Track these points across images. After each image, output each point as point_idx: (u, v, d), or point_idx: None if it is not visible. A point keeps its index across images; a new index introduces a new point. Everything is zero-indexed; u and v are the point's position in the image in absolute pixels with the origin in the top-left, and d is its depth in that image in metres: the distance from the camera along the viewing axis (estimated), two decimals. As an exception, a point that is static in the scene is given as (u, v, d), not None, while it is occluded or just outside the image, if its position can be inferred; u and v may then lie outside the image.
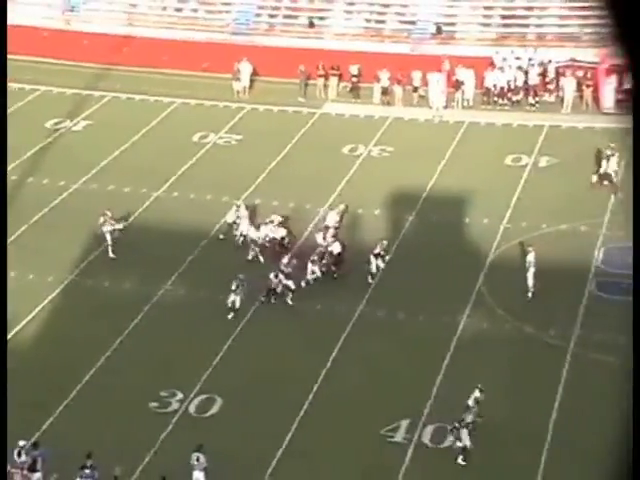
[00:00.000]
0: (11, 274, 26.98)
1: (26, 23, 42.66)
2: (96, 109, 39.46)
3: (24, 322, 26.21)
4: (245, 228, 29.40)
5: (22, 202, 31.74)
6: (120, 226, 29.43)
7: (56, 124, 38.15)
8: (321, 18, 42.60)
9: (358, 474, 21.32)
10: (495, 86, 38.68)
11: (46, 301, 27.24)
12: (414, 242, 29.25)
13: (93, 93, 40.56)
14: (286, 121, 38.01)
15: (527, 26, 40.86)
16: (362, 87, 39.68)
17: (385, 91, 39.09)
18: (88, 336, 25.63)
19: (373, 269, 27.51)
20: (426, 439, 22.13)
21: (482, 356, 24.67)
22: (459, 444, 21.36)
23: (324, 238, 28.50)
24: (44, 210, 31.72)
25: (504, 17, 41.13)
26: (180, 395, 23.58)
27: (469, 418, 21.40)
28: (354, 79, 39.87)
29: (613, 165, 31.25)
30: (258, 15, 43.55)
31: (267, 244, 29.12)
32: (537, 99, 38.42)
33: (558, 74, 38.56)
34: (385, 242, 28.01)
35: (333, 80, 40.07)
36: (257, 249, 28.88)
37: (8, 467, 20.72)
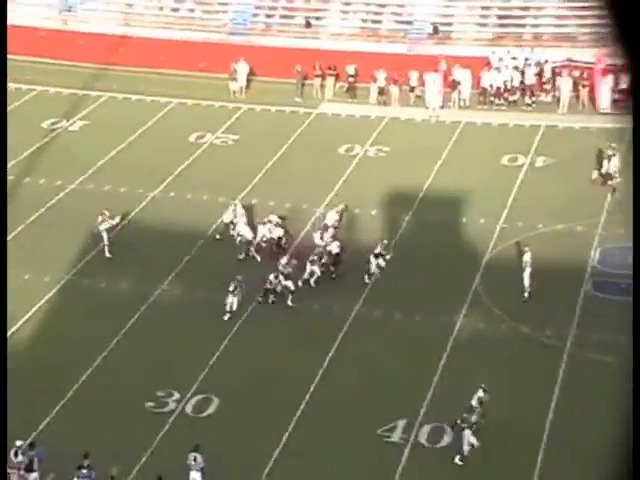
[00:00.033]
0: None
1: (23, 23, 42.62)
2: (93, 109, 39.46)
3: (21, 322, 26.21)
4: (242, 228, 29.41)
5: (19, 202, 31.72)
6: (116, 221, 29.38)
7: (53, 124, 38.14)
8: (318, 18, 42.62)
9: (355, 474, 21.34)
10: (491, 86, 38.73)
11: (43, 301, 27.25)
12: (411, 242, 29.27)
13: (90, 93, 40.56)
14: (283, 121, 38.02)
15: (523, 26, 40.92)
16: (359, 87, 39.74)
17: (382, 91, 39.10)
18: (85, 336, 25.63)
19: (372, 269, 27.51)
20: (423, 439, 22.16)
21: (479, 356, 24.70)
22: (465, 446, 21.34)
23: (321, 238, 28.48)
24: (41, 210, 31.72)
25: (500, 17, 41.19)
26: (177, 395, 23.59)
27: (473, 418, 21.38)
28: (351, 79, 39.90)
29: (614, 165, 31.27)
30: (255, 15, 43.57)
31: (263, 244, 29.14)
32: (533, 99, 38.47)
33: (554, 74, 38.62)
34: (385, 241, 28.07)
35: (330, 80, 40.10)
36: (252, 249, 28.87)
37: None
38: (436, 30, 41.08)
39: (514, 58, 39.07)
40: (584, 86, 37.79)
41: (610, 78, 37.21)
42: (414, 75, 38.84)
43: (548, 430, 22.17)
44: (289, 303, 26.64)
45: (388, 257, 27.62)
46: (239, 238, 29.24)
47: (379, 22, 42.34)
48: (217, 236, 30.00)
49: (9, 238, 29.46)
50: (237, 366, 24.58)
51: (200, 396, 23.62)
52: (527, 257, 26.82)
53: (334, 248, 28.05)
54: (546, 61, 38.75)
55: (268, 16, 43.54)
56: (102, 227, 29.12)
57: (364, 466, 21.49)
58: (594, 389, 23.28)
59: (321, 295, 27.09)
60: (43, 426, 22.55)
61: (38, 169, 34.31)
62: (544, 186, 32.39)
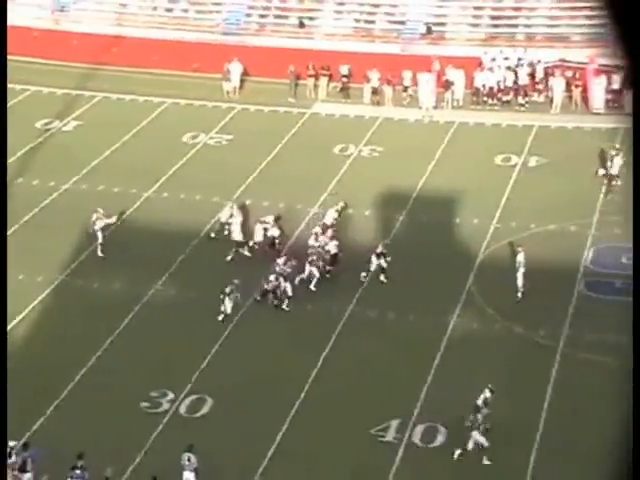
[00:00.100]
0: (1, 274, 26.96)
1: (16, 23, 42.53)
2: (86, 109, 39.44)
3: (14, 322, 26.19)
4: (234, 229, 29.40)
5: (12, 202, 31.60)
6: (112, 220, 29.40)
7: (46, 124, 38.13)
8: (311, 18, 42.64)
9: (349, 474, 21.37)
10: (484, 86, 38.80)
11: (36, 301, 27.27)
12: (404, 242, 29.29)
13: (83, 93, 40.54)
14: (276, 121, 38.04)
15: (516, 26, 41.00)
16: (352, 87, 39.78)
17: (375, 91, 39.16)
18: (79, 336, 25.65)
19: (372, 269, 27.48)
20: (416, 439, 22.20)
21: (472, 356, 24.75)
22: (469, 447, 21.35)
23: (316, 239, 28.38)
24: (34, 210, 31.71)
25: (493, 17, 41.26)
26: (171, 395, 23.61)
27: (479, 419, 21.37)
28: (344, 79, 39.94)
29: (617, 165, 31.33)
30: (248, 15, 43.57)
31: (257, 245, 29.15)
32: (526, 99, 38.55)
33: (547, 74, 38.71)
34: (387, 241, 28.08)
35: (323, 80, 40.12)
36: (241, 250, 28.84)
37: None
38: (429, 30, 41.14)
39: (506, 58, 39.17)
40: (577, 86, 37.89)
41: (603, 78, 37.34)
42: (407, 75, 38.91)
43: (541, 430, 22.22)
44: (284, 307, 26.66)
45: (389, 258, 27.57)
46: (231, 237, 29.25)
47: (372, 22, 42.38)
48: (212, 234, 30.02)
49: (3, 238, 29.44)
50: (231, 366, 24.60)
51: (194, 396, 23.64)
52: (520, 257, 26.87)
53: (332, 248, 28.07)
54: (539, 61, 38.84)
55: (261, 16, 43.55)
56: (97, 226, 29.16)
57: (358, 466, 21.52)
58: (588, 389, 23.38)
59: (315, 295, 27.13)
60: (37, 426, 22.55)
61: (32, 169, 34.29)
62: (537, 186, 32.46)
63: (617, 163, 31.28)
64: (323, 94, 40.13)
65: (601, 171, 32.34)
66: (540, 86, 38.80)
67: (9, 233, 30.04)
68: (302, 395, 23.51)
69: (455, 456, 21.46)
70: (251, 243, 29.15)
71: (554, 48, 39.36)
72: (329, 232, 28.67)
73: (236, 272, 27.55)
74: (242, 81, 40.78)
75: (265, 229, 29.15)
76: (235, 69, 40.44)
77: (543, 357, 24.62)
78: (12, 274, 27.59)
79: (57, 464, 20.77)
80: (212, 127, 37.64)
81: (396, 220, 30.94)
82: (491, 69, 38.92)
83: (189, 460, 20.72)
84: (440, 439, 22.15)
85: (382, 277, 27.57)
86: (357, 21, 42.47)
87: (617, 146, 31.42)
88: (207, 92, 40.03)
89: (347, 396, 23.47)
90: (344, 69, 39.78)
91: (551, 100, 38.22)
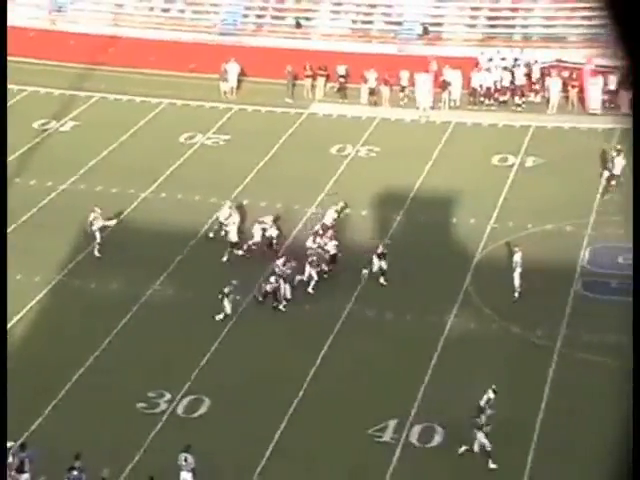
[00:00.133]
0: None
1: (13, 23, 42.49)
2: (83, 109, 39.45)
3: (12, 322, 26.19)
4: (230, 229, 29.41)
5: (10, 202, 31.51)
6: (111, 222, 29.47)
7: (43, 124, 38.14)
8: (308, 19, 42.67)
9: (346, 474, 21.38)
10: (481, 86, 38.84)
11: (34, 301, 27.28)
12: (402, 242, 29.29)
13: (80, 93, 40.54)
14: (274, 121, 38.05)
15: (513, 27, 41.06)
16: (349, 87, 39.82)
17: (372, 91, 39.19)
18: (76, 336, 25.67)
19: (375, 269, 27.49)
20: (414, 439, 22.21)
21: (469, 356, 24.77)
22: (475, 448, 21.34)
23: (314, 240, 28.33)
24: (31, 211, 31.71)
25: (490, 18, 41.31)
26: (168, 396, 23.60)
27: (483, 420, 21.33)
28: (341, 79, 39.98)
29: (619, 166, 31.37)
30: (245, 16, 43.58)
31: (255, 246, 29.17)
32: (523, 99, 38.60)
33: (544, 75, 38.75)
34: (388, 241, 28.08)
35: (320, 80, 40.15)
36: (235, 251, 28.84)
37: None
38: (426, 31, 41.19)
39: (503, 59, 39.23)
40: (573, 87, 37.95)
41: (599, 79, 37.41)
42: (405, 75, 38.94)
43: (538, 430, 22.22)
44: (281, 308, 26.69)
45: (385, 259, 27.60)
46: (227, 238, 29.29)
47: (369, 23, 42.43)
48: (210, 234, 30.02)
49: None
50: (228, 366, 24.61)
51: (191, 397, 23.64)
52: (517, 257, 26.90)
53: (331, 248, 28.09)
54: (535, 62, 38.91)
55: (258, 16, 43.57)
56: (95, 226, 29.20)
57: (355, 466, 21.53)
58: (585, 389, 23.41)
59: (313, 295, 27.14)
60: (34, 427, 22.55)
61: (29, 169, 34.27)
62: (534, 186, 32.51)
63: (619, 163, 31.30)
64: (320, 94, 40.16)
65: (605, 173, 32.31)
66: (537, 86, 38.86)
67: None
68: (300, 395, 23.53)
69: (459, 451, 21.44)
70: (250, 243, 29.16)
71: (551, 48, 39.42)
72: (329, 232, 28.71)
73: (234, 272, 27.57)
74: (239, 81, 40.79)
75: (264, 229, 29.18)
76: (232, 69, 40.46)
77: (540, 357, 24.64)
78: (10, 274, 27.52)
79: (54, 465, 20.75)
80: (209, 127, 37.66)
81: (393, 220, 30.96)
82: (488, 69, 38.95)
83: (186, 460, 20.72)
84: (437, 439, 22.15)
85: (382, 280, 27.57)
86: (354, 21, 42.50)
87: (618, 147, 31.45)
88: (204, 92, 40.05)
89: (345, 396, 23.48)
90: (341, 69, 39.82)
91: (548, 100, 38.30)
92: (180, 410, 23.24)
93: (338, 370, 24.35)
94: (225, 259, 28.84)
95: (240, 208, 30.90)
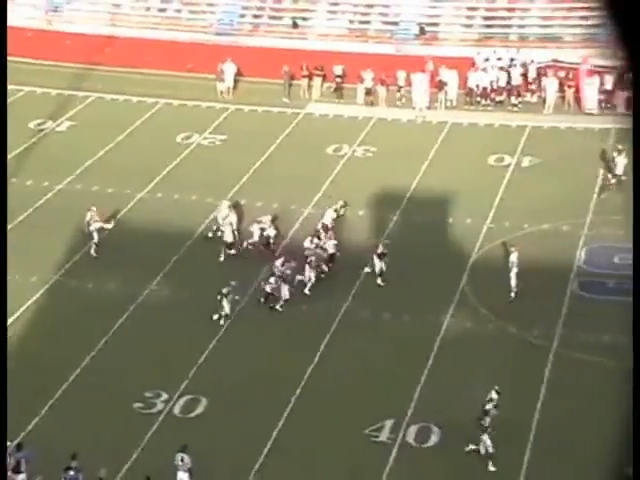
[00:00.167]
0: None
1: (10, 23, 42.47)
2: (80, 109, 39.46)
3: (9, 322, 26.15)
4: (225, 229, 29.41)
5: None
6: (109, 225, 29.50)
7: (40, 124, 38.15)
8: (305, 19, 42.71)
9: (343, 473, 21.40)
10: (478, 86, 38.91)
11: (31, 301, 27.29)
12: (398, 242, 29.30)
13: (77, 93, 40.56)
14: (270, 121, 38.08)
15: (509, 27, 41.12)
16: (346, 87, 39.84)
17: (369, 91, 39.23)
18: (73, 336, 25.68)
19: (377, 270, 27.48)
20: (410, 439, 22.24)
21: (466, 356, 24.80)
22: (482, 450, 21.34)
23: (311, 241, 28.31)
24: (28, 211, 31.71)
25: (486, 18, 41.37)
26: (165, 395, 23.62)
27: (487, 422, 21.32)
28: (338, 79, 40.01)
29: (621, 165, 31.40)
30: (242, 16, 43.61)
31: (252, 246, 29.20)
32: (519, 99, 38.66)
33: (540, 75, 38.82)
34: (387, 241, 28.09)
35: (317, 80, 40.19)
36: (230, 250, 28.82)
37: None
38: (423, 31, 41.23)
39: (499, 59, 39.30)
40: (569, 87, 38.03)
41: (595, 79, 37.51)
42: (402, 75, 38.99)
43: (535, 430, 22.25)
44: (278, 308, 26.71)
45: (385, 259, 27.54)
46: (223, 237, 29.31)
47: (366, 23, 42.46)
48: (209, 234, 30.03)
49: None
50: (225, 366, 24.64)
51: (188, 396, 23.66)
52: (514, 257, 26.94)
53: (330, 248, 28.09)
54: (532, 62, 38.98)
55: (255, 16, 43.60)
56: (92, 227, 29.24)
57: (352, 466, 21.54)
58: (581, 388, 23.45)
59: (310, 295, 27.14)
60: (31, 427, 22.55)
61: (25, 170, 34.24)
62: (530, 186, 32.57)
63: (621, 162, 31.30)
64: (317, 94, 40.19)
65: (604, 173, 32.31)
66: (533, 86, 38.94)
67: (3, 233, 30.08)
68: (296, 395, 23.55)
69: (466, 450, 21.43)
70: (248, 242, 29.17)
71: (547, 48, 39.51)
72: (328, 232, 28.73)
73: (230, 272, 27.59)
74: (236, 81, 40.81)
75: (262, 229, 29.22)
76: (229, 69, 40.48)
77: (537, 357, 24.68)
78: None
79: (51, 465, 20.75)
80: (206, 127, 37.68)
81: (390, 220, 31.01)
82: (484, 69, 39.03)
83: (182, 460, 20.74)
84: (434, 439, 22.19)
85: (379, 280, 27.58)
86: (351, 21, 42.55)
87: (619, 147, 31.47)
88: (201, 92, 40.08)
89: (341, 396, 23.50)
90: (338, 69, 39.84)
91: (544, 100, 38.34)
92: (177, 410, 23.26)
93: (335, 370, 24.38)
94: (222, 259, 28.86)
95: (237, 208, 30.93)
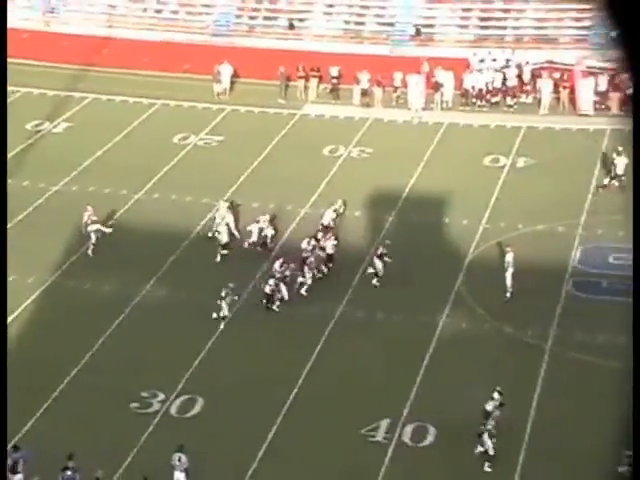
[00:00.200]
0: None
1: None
2: (76, 111, 39.52)
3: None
4: (221, 229, 29.47)
5: (3, 204, 31.80)
6: (109, 230, 29.63)
7: (36, 125, 38.22)
8: (301, 20, 42.78)
9: (339, 473, 21.46)
10: (473, 88, 39.01)
11: (28, 301, 27.34)
12: (394, 242, 29.36)
13: (73, 94, 40.62)
14: (266, 122, 38.16)
15: (505, 28, 41.22)
16: (342, 89, 39.94)
17: (365, 93, 39.30)
18: (70, 337, 25.72)
19: (375, 270, 27.54)
20: (406, 438, 22.31)
21: (461, 356, 24.87)
22: (480, 449, 21.36)
23: (309, 243, 28.30)
24: (25, 212, 31.75)
25: (482, 19, 41.47)
26: (162, 396, 23.67)
27: (490, 424, 21.35)
28: (334, 81, 40.10)
29: (621, 167, 31.49)
30: (238, 17, 43.68)
31: (252, 246, 29.26)
32: (515, 101, 38.77)
33: (535, 76, 38.90)
34: (388, 242, 28.12)
35: (313, 82, 40.27)
36: (224, 251, 28.91)
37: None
38: (418, 32, 41.33)
39: (494, 60, 39.39)
40: (564, 88, 38.14)
41: (590, 80, 37.62)
42: (398, 76, 39.06)
43: (530, 429, 22.31)
44: (275, 308, 26.77)
45: (388, 259, 27.54)
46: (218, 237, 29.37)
47: (362, 24, 42.55)
48: (209, 234, 30.08)
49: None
50: (222, 367, 24.69)
51: (185, 397, 23.71)
52: (509, 257, 27.01)
53: (329, 248, 28.15)
54: (527, 63, 39.07)
55: (251, 18, 43.67)
56: (90, 228, 29.33)
57: (348, 465, 21.61)
58: (576, 388, 23.49)
59: (305, 296, 27.21)
60: (28, 427, 22.59)
61: (22, 171, 34.24)
62: (525, 187, 32.67)
63: (622, 163, 31.36)
64: (313, 95, 40.27)
65: (605, 180, 32.43)
66: (528, 87, 39.03)
67: (0, 234, 30.13)
68: (292, 395, 23.60)
69: (476, 452, 21.44)
70: (247, 242, 29.24)
71: (542, 49, 39.59)
72: (328, 232, 28.81)
73: (227, 272, 27.66)
74: (232, 82, 40.89)
75: (261, 229, 29.31)
76: (225, 71, 40.56)
77: (532, 356, 24.74)
78: (3, 275, 27.70)
79: (48, 465, 20.79)
80: (202, 128, 37.76)
81: (386, 221, 31.08)
82: (480, 71, 39.12)
83: (179, 460, 20.79)
84: (430, 439, 22.26)
85: (374, 281, 27.63)
86: (347, 23, 42.63)
87: (619, 148, 31.54)
88: (197, 93, 40.13)
89: (337, 396, 23.57)
90: (334, 70, 39.93)
91: (539, 101, 38.46)
92: (173, 410, 23.30)
93: (331, 370, 24.43)
94: (218, 259, 28.94)
95: (234, 208, 31.00)
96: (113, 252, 29.29)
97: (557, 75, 38.39)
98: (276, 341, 25.61)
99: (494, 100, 38.81)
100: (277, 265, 27.03)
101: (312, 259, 27.64)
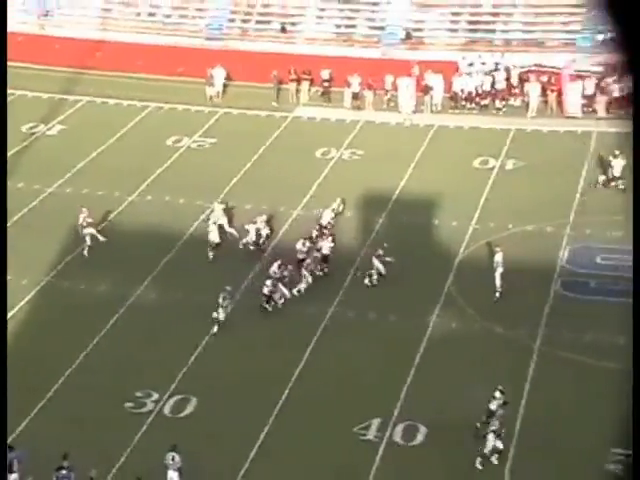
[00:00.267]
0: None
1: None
2: (71, 113, 39.67)
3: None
4: (211, 229, 29.62)
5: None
6: (102, 239, 29.77)
7: (31, 128, 38.36)
8: (293, 23, 43.03)
9: (331, 471, 21.59)
10: (463, 90, 39.25)
11: (23, 302, 27.47)
12: (385, 243, 29.65)
13: (68, 97, 40.75)
14: (259, 125, 38.32)
15: (493, 32, 41.46)
16: (333, 91, 40.13)
17: (356, 96, 39.53)
18: (64, 337, 25.84)
19: (381, 271, 27.74)
20: (397, 437, 22.46)
21: (452, 355, 25.02)
22: (485, 450, 21.40)
23: (304, 244, 28.39)
24: (19, 213, 31.87)
25: (471, 23, 41.75)
26: (155, 395, 23.80)
27: (496, 424, 21.40)
28: (325, 84, 40.32)
29: (618, 168, 31.73)
30: (231, 20, 43.92)
31: (243, 246, 29.46)
32: (504, 103, 38.98)
33: (523, 79, 39.10)
34: (386, 245, 28.21)
35: (305, 85, 40.44)
36: (211, 253, 29.14)
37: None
38: (409, 36, 41.60)
39: (484, 63, 39.58)
40: (552, 91, 38.40)
41: (578, 83, 37.94)
42: (389, 79, 39.27)
43: (519, 426, 22.44)
44: (267, 307, 26.83)
45: (388, 259, 27.69)
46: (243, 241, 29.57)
47: (353, 27, 42.78)
48: (209, 236, 30.20)
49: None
50: (215, 366, 24.81)
51: (178, 396, 23.84)
52: (498, 257, 27.19)
53: (326, 249, 28.32)
54: (515, 66, 39.25)
55: (244, 21, 43.92)
56: (86, 231, 29.55)
57: (340, 463, 21.75)
58: (564, 387, 23.62)
59: (298, 296, 27.38)
60: (22, 427, 22.69)
61: (17, 173, 34.29)
62: (514, 188, 32.89)
63: (619, 164, 31.58)
64: (305, 98, 40.46)
65: (601, 178, 32.71)
66: (516, 90, 39.22)
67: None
68: (285, 395, 23.74)
69: (493, 460, 21.48)
70: (243, 242, 29.45)
71: (530, 53, 39.78)
72: (324, 233, 28.99)
73: (220, 273, 27.85)
74: (225, 86, 41.05)
75: (257, 229, 29.55)
76: (218, 74, 40.75)
77: (521, 355, 24.89)
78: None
79: (42, 465, 20.87)
80: (196, 131, 37.93)
81: (376, 222, 31.26)
82: (469, 74, 39.36)
83: (173, 459, 20.88)
84: (420, 438, 22.40)
85: (366, 280, 27.88)
86: (338, 26, 42.88)
87: (616, 152, 31.75)
88: (190, 96, 40.27)
89: (330, 396, 23.70)
90: (325, 73, 40.13)
91: (527, 104, 38.67)
92: (167, 410, 23.41)
93: (323, 370, 24.56)
94: (211, 258, 29.11)
95: (228, 210, 31.18)
96: (107, 253, 29.45)
97: (545, 78, 38.64)
98: (269, 341, 25.72)
99: (483, 103, 39.02)
100: (275, 267, 27.15)
101: (309, 260, 27.77)
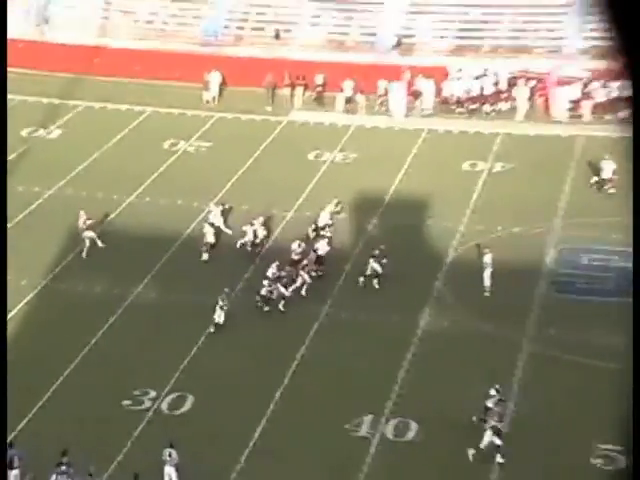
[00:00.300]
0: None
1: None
2: (70, 118, 39.81)
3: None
4: (207, 230, 29.99)
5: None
6: (101, 245, 30.05)
7: (31, 132, 38.58)
8: (287, 30, 43.46)
9: (324, 466, 21.83)
10: (452, 95, 39.56)
11: (22, 304, 27.64)
12: (377, 245, 29.62)
13: (67, 102, 40.90)
14: (254, 129, 38.53)
15: (482, 38, 41.74)
16: (326, 96, 40.39)
17: (349, 100, 39.84)
18: (63, 337, 26.05)
19: (379, 271, 28.00)
20: (389, 433, 22.72)
21: (442, 354, 25.30)
22: (481, 446, 21.57)
23: (299, 245, 28.73)
24: (19, 216, 32.08)
25: (460, 29, 42.13)
26: (153, 393, 24.02)
27: (493, 420, 21.62)
28: (319, 88, 40.64)
29: (608, 171, 32.11)
30: (226, 27, 44.31)
31: (249, 247, 29.78)
32: (492, 108, 39.24)
33: (511, 84, 39.35)
34: (383, 247, 28.30)
35: (299, 89, 40.72)
36: (204, 255, 29.56)
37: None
38: (400, 42, 42.03)
39: (473, 68, 39.84)
40: (540, 95, 38.77)
41: (564, 88, 38.46)
42: (382, 84, 39.51)
43: (507, 425, 22.52)
44: (280, 308, 27.07)
45: (385, 261, 27.99)
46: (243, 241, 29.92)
47: (346, 34, 43.06)
48: (209, 237, 30.58)
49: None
50: (211, 365, 25.07)
51: (175, 394, 24.07)
52: (487, 258, 27.57)
53: (321, 250, 28.58)
54: (503, 71, 39.52)
55: (239, 28, 44.37)
56: (86, 234, 29.88)
57: (333, 459, 22.02)
58: (552, 385, 23.89)
59: (291, 296, 27.57)
60: (22, 425, 22.86)
61: (17, 176, 34.43)
62: (503, 190, 33.22)
63: (609, 167, 31.97)
64: (299, 102, 40.72)
65: (594, 178, 33.15)
66: (505, 95, 39.40)
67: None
68: (279, 393, 24.00)
69: (499, 459, 21.71)
70: (241, 242, 29.82)
71: (518, 59, 40.04)
72: (321, 233, 29.35)
73: (216, 274, 28.21)
74: (221, 90, 41.23)
75: (255, 230, 29.95)
76: (214, 79, 41.04)
77: (509, 355, 25.13)
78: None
79: (42, 461, 21.06)
80: (192, 134, 38.14)
81: (369, 224, 31.55)
82: (459, 79, 39.68)
83: (170, 455, 21.07)
84: (411, 434, 22.68)
85: (360, 279, 28.09)
86: (331, 33, 43.30)
87: (606, 157, 32.02)
88: (187, 101, 40.46)
89: (322, 393, 23.97)
90: (319, 78, 40.33)
91: (515, 109, 38.98)
92: (164, 407, 23.62)
93: (317, 369, 24.79)
94: (206, 258, 29.49)
95: (225, 212, 31.50)
96: (105, 254, 29.69)
97: (532, 83, 38.98)
98: (264, 340, 25.95)
99: (472, 107, 39.28)
100: (274, 267, 27.34)
101: (306, 262, 28.02)
